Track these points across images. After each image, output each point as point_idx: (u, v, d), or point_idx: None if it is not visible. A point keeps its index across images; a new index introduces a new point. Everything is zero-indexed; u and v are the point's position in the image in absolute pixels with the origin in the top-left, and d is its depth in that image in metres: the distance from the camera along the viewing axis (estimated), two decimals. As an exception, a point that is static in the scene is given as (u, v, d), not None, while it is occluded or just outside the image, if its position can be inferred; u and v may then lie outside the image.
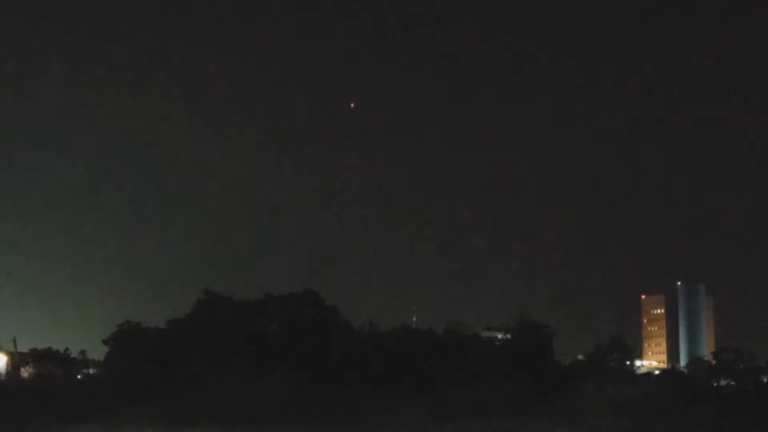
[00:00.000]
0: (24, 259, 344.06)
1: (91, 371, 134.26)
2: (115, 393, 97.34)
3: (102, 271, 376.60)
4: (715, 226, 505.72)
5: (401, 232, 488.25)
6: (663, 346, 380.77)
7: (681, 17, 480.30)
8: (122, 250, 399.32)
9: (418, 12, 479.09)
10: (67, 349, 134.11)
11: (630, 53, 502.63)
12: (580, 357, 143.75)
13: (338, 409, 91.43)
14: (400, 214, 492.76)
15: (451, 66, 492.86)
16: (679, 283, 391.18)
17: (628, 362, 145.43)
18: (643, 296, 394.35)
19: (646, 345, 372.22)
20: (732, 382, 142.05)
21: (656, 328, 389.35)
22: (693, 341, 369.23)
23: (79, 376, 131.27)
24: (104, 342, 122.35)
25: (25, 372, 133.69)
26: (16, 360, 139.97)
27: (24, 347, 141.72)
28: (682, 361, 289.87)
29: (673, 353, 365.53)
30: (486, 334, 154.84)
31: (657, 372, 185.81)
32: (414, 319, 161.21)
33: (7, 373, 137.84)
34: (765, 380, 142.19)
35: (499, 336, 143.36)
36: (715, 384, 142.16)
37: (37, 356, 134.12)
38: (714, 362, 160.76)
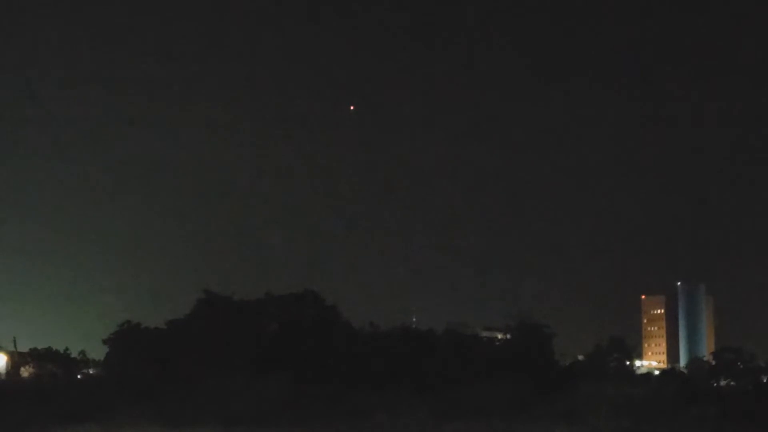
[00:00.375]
0: (24, 259, 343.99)
1: (91, 371, 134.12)
2: (115, 393, 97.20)
3: (102, 271, 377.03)
4: (715, 226, 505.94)
5: (401, 232, 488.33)
6: (663, 346, 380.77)
7: (681, 17, 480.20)
8: (122, 250, 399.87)
9: (418, 12, 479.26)
10: (67, 349, 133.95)
11: (630, 53, 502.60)
12: (580, 357, 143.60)
13: (338, 409, 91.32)
14: (400, 214, 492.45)
15: (451, 66, 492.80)
16: (679, 283, 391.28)
17: (628, 362, 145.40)
18: (643, 296, 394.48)
19: (646, 345, 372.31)
20: (732, 382, 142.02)
21: (656, 328, 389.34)
22: (693, 341, 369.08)
23: (79, 376, 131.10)
24: (104, 342, 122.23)
25: (25, 372, 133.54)
26: (16, 360, 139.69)
27: (24, 347, 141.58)
28: (682, 361, 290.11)
29: (673, 353, 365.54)
30: (486, 334, 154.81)
31: (657, 372, 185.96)
32: (414, 319, 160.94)
33: (7, 372, 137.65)
34: (765, 380, 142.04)
35: (499, 336, 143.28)
36: (715, 384, 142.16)
37: (37, 356, 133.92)
38: (714, 362, 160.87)
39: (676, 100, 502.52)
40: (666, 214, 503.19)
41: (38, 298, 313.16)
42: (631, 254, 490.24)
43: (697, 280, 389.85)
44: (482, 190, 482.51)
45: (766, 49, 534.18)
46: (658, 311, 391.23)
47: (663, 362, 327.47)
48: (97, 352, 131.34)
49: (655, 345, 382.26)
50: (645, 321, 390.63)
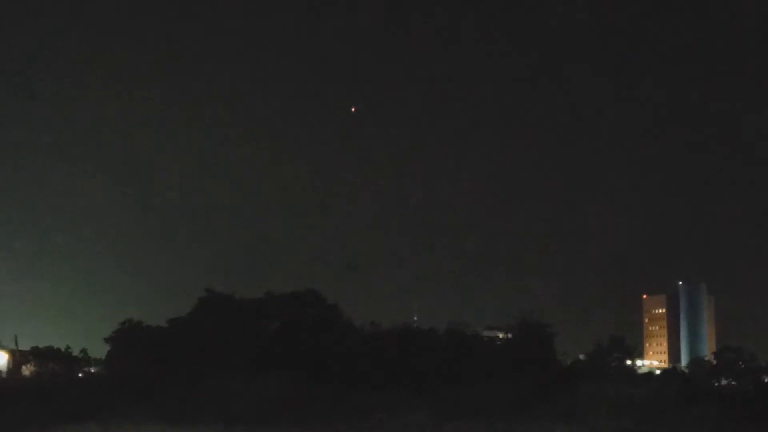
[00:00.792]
0: (24, 259, 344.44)
1: (92, 369, 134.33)
2: (116, 391, 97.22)
3: (103, 270, 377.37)
4: (716, 225, 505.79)
5: (402, 232, 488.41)
6: (664, 346, 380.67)
7: (681, 17, 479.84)
8: (124, 249, 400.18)
9: (419, 13, 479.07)
10: (68, 348, 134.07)
11: (630, 53, 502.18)
12: (581, 357, 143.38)
13: (338, 409, 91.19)
14: (400, 214, 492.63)
15: (451, 67, 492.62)
16: (680, 282, 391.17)
17: (629, 362, 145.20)
18: (644, 296, 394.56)
19: (647, 344, 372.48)
20: (733, 382, 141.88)
21: (657, 327, 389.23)
22: (694, 341, 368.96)
23: (80, 375, 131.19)
24: (105, 340, 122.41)
25: (26, 370, 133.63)
26: (17, 358, 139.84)
27: (25, 345, 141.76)
28: (683, 361, 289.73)
29: (674, 353, 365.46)
30: (487, 333, 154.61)
31: (658, 372, 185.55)
32: (415, 318, 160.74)
33: (8, 371, 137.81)
34: (766, 380, 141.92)
35: (500, 335, 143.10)
36: (717, 384, 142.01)
37: (38, 354, 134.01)
38: (715, 362, 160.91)
39: (676, 100, 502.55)
40: (667, 214, 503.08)
41: (39, 297, 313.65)
42: (632, 253, 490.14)
43: (699, 279, 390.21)
44: (482, 190, 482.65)
45: (766, 49, 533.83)
46: (660, 311, 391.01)
47: (664, 362, 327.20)
48: (99, 350, 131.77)
49: (657, 344, 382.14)
50: (646, 320, 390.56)
